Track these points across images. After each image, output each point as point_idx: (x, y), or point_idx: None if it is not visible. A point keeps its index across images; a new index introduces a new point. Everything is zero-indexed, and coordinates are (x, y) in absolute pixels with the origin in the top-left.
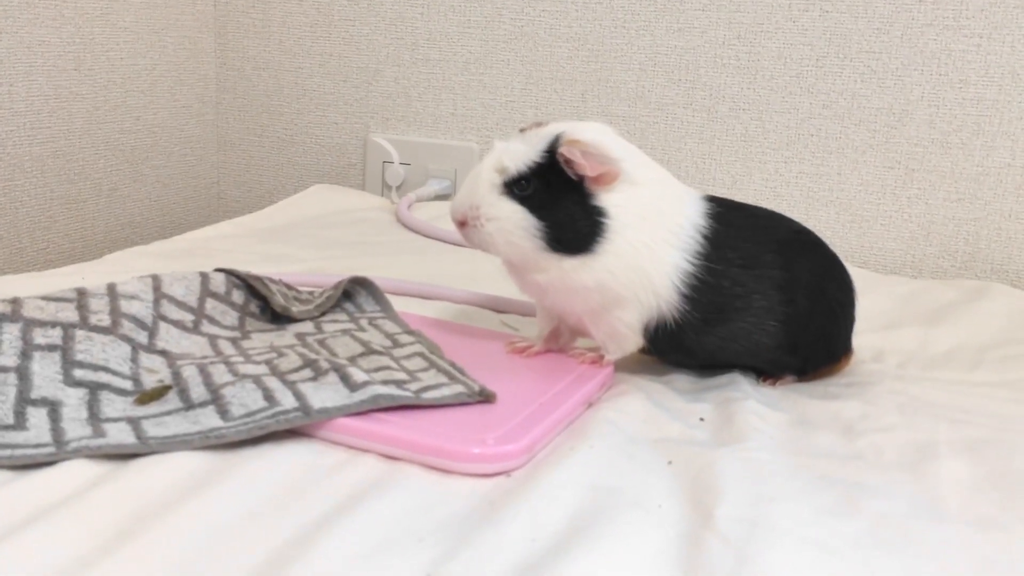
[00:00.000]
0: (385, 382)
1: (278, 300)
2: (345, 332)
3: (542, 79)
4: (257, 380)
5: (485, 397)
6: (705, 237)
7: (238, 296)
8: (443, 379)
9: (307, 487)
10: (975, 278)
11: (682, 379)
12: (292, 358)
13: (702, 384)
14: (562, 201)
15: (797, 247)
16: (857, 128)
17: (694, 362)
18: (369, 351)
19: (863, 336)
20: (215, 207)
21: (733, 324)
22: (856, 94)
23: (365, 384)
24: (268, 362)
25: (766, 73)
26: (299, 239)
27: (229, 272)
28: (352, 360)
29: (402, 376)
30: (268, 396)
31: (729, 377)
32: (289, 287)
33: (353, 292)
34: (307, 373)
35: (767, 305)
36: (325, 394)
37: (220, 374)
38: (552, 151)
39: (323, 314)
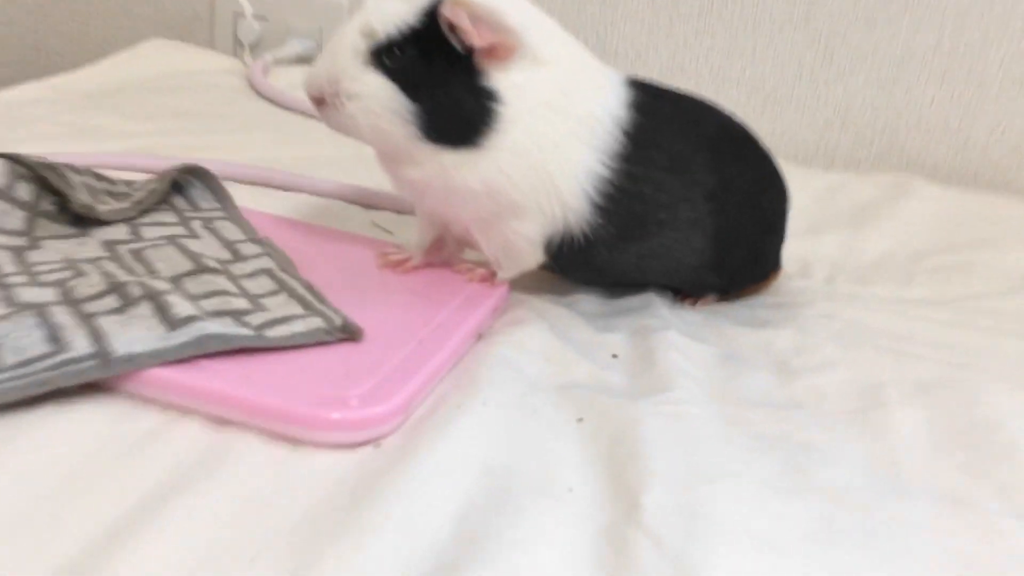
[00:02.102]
0: (218, 314)
1: (80, 197)
2: (170, 240)
3: None
4: (41, 312)
5: (349, 334)
6: (625, 133)
7: (25, 191)
8: (295, 308)
9: (100, 472)
10: (891, 171)
11: (589, 300)
12: (93, 279)
13: (612, 307)
14: (443, 78)
15: (729, 145)
16: (776, 0)
17: (604, 281)
18: (200, 268)
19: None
20: (31, 62)
21: (654, 239)
22: None
23: (190, 320)
24: (60, 284)
25: None
26: (126, 107)
27: (11, 158)
28: (175, 282)
29: (242, 304)
30: (54, 336)
31: (643, 298)
32: (100, 177)
33: (185, 184)
34: (112, 302)
35: (694, 217)
36: (134, 333)
37: None
38: (433, 14)
39: (143, 213)
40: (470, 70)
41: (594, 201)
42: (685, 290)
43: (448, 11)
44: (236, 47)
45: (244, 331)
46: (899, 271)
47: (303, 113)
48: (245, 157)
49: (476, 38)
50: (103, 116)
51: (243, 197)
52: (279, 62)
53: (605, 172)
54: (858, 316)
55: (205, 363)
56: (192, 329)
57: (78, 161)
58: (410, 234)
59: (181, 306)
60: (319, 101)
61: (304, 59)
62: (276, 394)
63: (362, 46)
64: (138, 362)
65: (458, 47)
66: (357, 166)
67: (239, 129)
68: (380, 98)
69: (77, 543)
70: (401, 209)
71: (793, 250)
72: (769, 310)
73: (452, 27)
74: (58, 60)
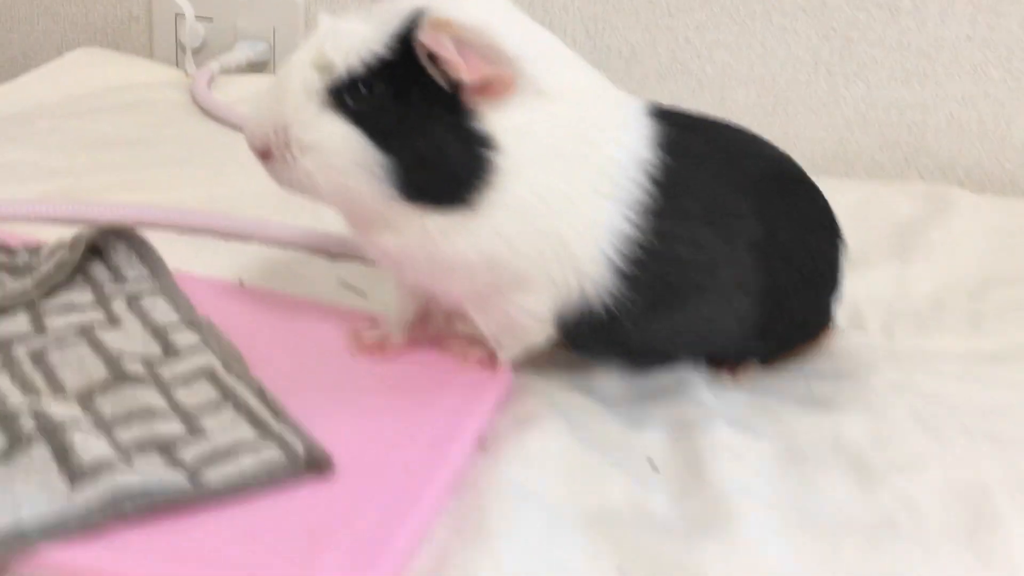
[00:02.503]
0: (140, 447)
1: None
2: (83, 332)
3: None
4: None
5: (315, 467)
6: (653, 180)
7: None
8: (244, 430)
9: None
10: (919, 177)
11: (609, 379)
12: None
13: (640, 387)
14: (422, 121)
15: (776, 186)
16: None
17: (627, 357)
18: (118, 376)
19: None
20: None
21: (690, 307)
22: None
23: (98, 468)
24: None
25: None
26: (47, 136)
27: None
28: (85, 401)
29: (173, 428)
30: None
31: (673, 374)
32: None
33: (105, 246)
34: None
35: (737, 277)
36: (23, 493)
37: None
38: (407, 39)
39: (50, 292)
40: (456, 110)
41: (617, 266)
42: (720, 357)
43: (428, 37)
44: (178, 53)
45: (173, 477)
46: (963, 312)
47: None
48: (186, 195)
49: (464, 71)
50: (23, 148)
51: (180, 252)
52: (226, 70)
53: (630, 230)
54: (934, 386)
55: (120, 533)
56: (101, 483)
57: None
58: (386, 294)
59: (88, 445)
60: (264, 154)
61: (256, 66)
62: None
63: (317, 83)
64: (27, 539)
65: (440, 81)
66: (317, 204)
67: (179, 159)
68: (343, 150)
69: None
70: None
71: None
72: (827, 382)
73: (433, 57)
74: None
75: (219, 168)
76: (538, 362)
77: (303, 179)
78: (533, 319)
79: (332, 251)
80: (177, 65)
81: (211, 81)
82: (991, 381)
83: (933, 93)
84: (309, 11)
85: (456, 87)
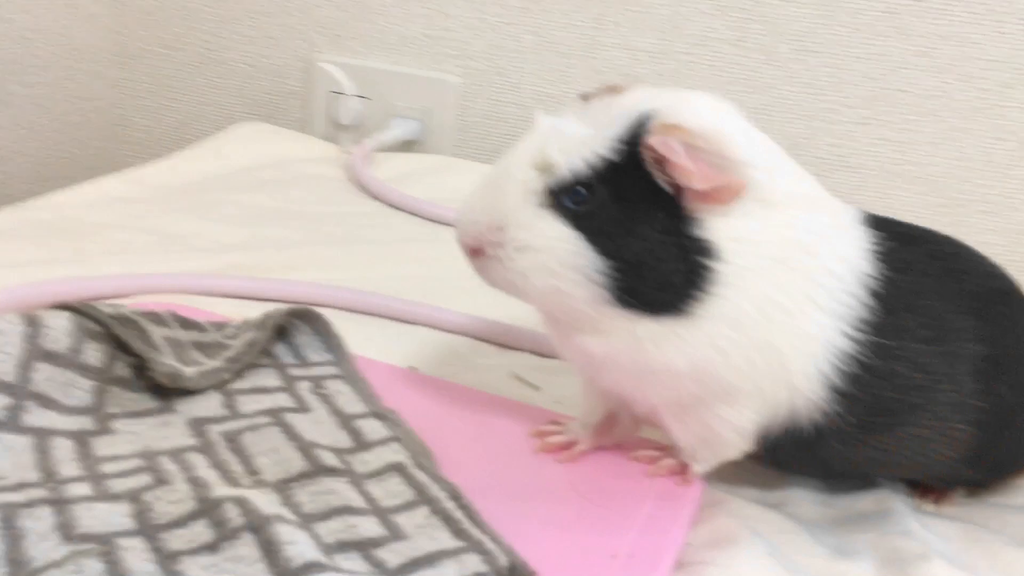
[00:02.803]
0: (342, 547)
1: (162, 360)
2: (274, 417)
3: None
4: (107, 551)
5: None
6: (874, 294)
7: (94, 353)
8: (442, 535)
9: None
10: None
11: (804, 496)
12: (178, 490)
13: (838, 508)
14: (643, 226)
15: (1000, 305)
16: (962, 85)
17: (825, 474)
18: (315, 468)
19: None
20: (114, 140)
21: (904, 428)
22: (964, 40)
23: (307, 568)
24: (134, 496)
25: (847, 4)
26: (213, 208)
27: (79, 311)
28: (284, 491)
29: (372, 529)
30: None
31: (875, 496)
32: (186, 323)
33: (289, 328)
34: (202, 532)
35: (956, 400)
36: None
37: (37, 539)
38: (634, 142)
39: (240, 373)
40: (679, 215)
41: (831, 383)
42: (925, 482)
43: (658, 142)
44: (334, 129)
45: None
46: None
47: (411, 212)
48: (350, 275)
49: (696, 178)
50: (189, 220)
51: (352, 333)
52: (382, 148)
53: (847, 346)
54: None
55: None
56: None
57: (160, 284)
58: (558, 388)
59: (296, 544)
60: (476, 251)
61: (409, 144)
62: None
63: (537, 183)
64: None
65: (665, 186)
66: (481, 290)
67: (341, 237)
68: (561, 252)
69: None
70: (543, 352)
71: None
72: None
73: (660, 160)
74: (143, 137)
75: (381, 249)
76: (726, 474)
77: (515, 279)
78: (736, 433)
79: (500, 340)
80: (330, 140)
81: (367, 158)
82: None
83: None
84: (463, 92)
85: (679, 192)
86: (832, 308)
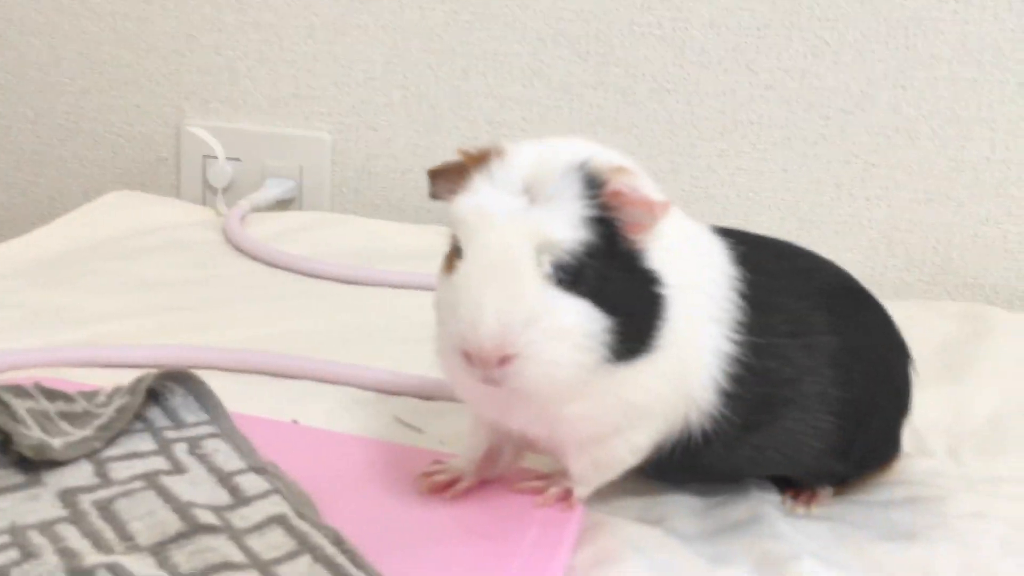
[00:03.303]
0: None
1: (28, 433)
2: (149, 481)
3: (411, 50)
4: None
5: None
6: (742, 295)
7: None
8: None
9: None
10: (946, 295)
11: (680, 511)
12: (47, 563)
13: (714, 520)
14: (621, 273)
15: (845, 300)
16: (807, 114)
17: (703, 480)
18: (192, 527)
19: None
20: None
21: (777, 424)
22: (806, 72)
23: None
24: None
25: (696, 45)
26: (87, 279)
27: None
28: (161, 553)
29: None
30: None
31: (748, 505)
32: (53, 395)
33: (162, 391)
34: None
35: (819, 390)
36: None
37: None
38: (594, 195)
39: (112, 440)
40: (632, 253)
41: (722, 388)
42: (797, 482)
43: (622, 185)
44: (206, 192)
45: None
46: None
47: (289, 270)
48: (229, 336)
49: (659, 206)
50: (60, 293)
51: (232, 392)
52: (256, 208)
53: (732, 349)
54: (1017, 511)
55: None
56: None
57: (30, 359)
58: (441, 429)
59: None
60: (505, 358)
61: (285, 203)
62: None
63: (545, 266)
64: None
65: (625, 228)
66: (364, 339)
67: (220, 299)
68: (585, 325)
69: None
70: (425, 395)
71: None
72: (905, 511)
73: (625, 202)
74: (5, 215)
75: (260, 308)
76: (606, 495)
77: (550, 370)
78: (632, 454)
79: (382, 388)
80: (205, 204)
81: (243, 219)
82: None
83: (956, 213)
84: (335, 148)
85: (628, 230)
86: (718, 316)
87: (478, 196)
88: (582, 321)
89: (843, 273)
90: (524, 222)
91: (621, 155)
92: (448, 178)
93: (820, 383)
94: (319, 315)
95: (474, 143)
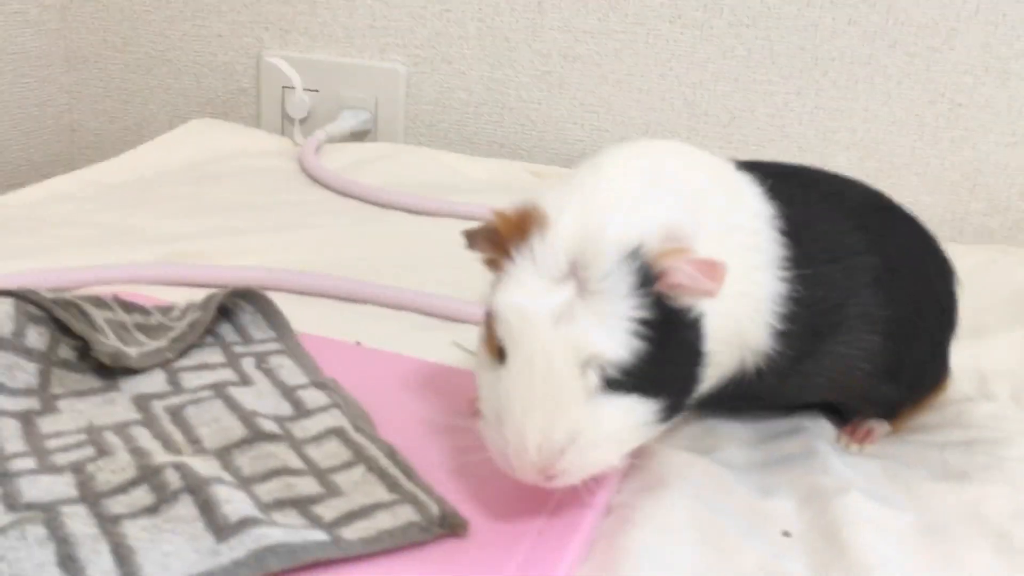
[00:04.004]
0: (279, 505)
1: (105, 341)
2: (217, 391)
3: None
4: (51, 519)
5: (451, 527)
6: (783, 232)
7: (37, 336)
8: (378, 490)
9: None
10: None
11: (733, 442)
12: (120, 460)
13: (765, 452)
14: (672, 346)
15: (879, 218)
16: (891, 51)
17: (757, 408)
18: (255, 435)
19: None
20: (67, 143)
21: (825, 349)
22: (892, 6)
23: (244, 524)
24: (77, 468)
25: None
26: (164, 203)
27: (21, 296)
28: (224, 457)
29: (310, 487)
30: (66, 557)
31: (801, 440)
32: (130, 307)
33: (233, 308)
34: (143, 497)
35: (863, 311)
36: (170, 547)
37: None
38: (646, 283)
39: (184, 352)
40: (683, 311)
41: (775, 328)
42: (852, 413)
43: (682, 276)
44: (285, 122)
45: (315, 536)
46: None
47: (360, 199)
48: (299, 259)
49: (713, 286)
50: (138, 215)
51: (299, 314)
52: (332, 139)
53: (782, 288)
54: None
55: None
56: (247, 538)
57: (109, 275)
58: None
59: (232, 502)
60: (549, 477)
61: (359, 134)
62: None
63: (592, 378)
64: None
65: (674, 304)
66: (430, 268)
67: (291, 224)
68: (629, 422)
69: None
70: None
71: (960, 358)
72: (960, 452)
73: (678, 287)
74: (95, 141)
75: (329, 233)
76: None
77: (590, 471)
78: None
79: (444, 314)
80: (283, 134)
81: (318, 149)
82: None
83: None
84: (410, 80)
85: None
86: (763, 261)
87: (520, 291)
88: (628, 420)
89: (874, 191)
90: (570, 331)
91: (683, 165)
92: (486, 242)
93: (863, 304)
94: (387, 243)
95: (549, 77)
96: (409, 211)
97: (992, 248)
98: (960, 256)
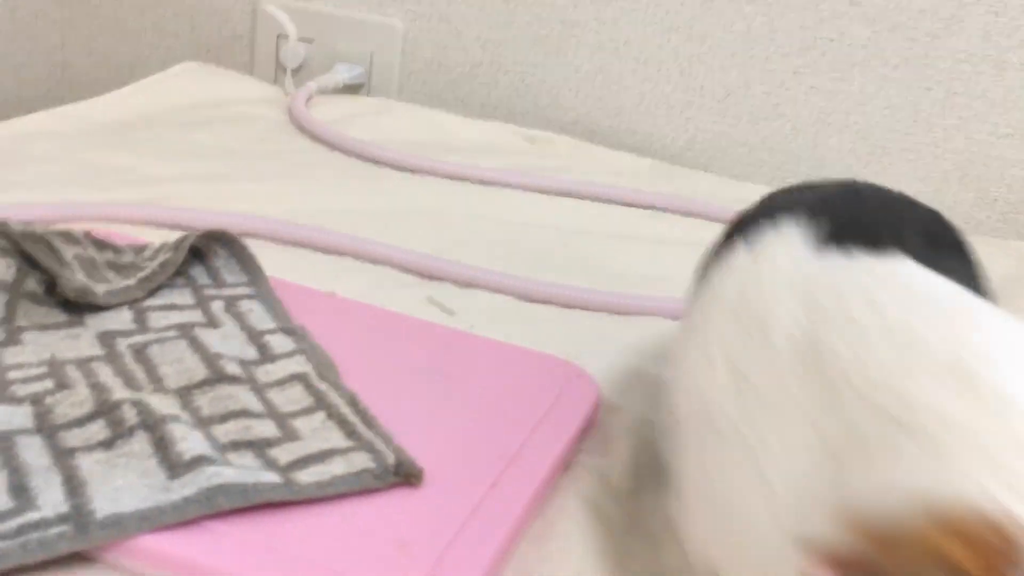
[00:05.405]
0: (235, 446)
1: (73, 277)
2: (183, 331)
3: None
4: (6, 446)
5: (406, 475)
6: None
7: (5, 268)
8: (336, 437)
9: None
10: (1016, 236)
11: None
12: (79, 393)
13: None
14: None
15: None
16: (891, 35)
17: None
18: (217, 376)
19: None
20: (57, 81)
21: None
22: None
23: (197, 462)
24: (37, 399)
25: None
26: (149, 144)
27: None
28: (184, 396)
29: (268, 430)
30: (18, 485)
31: None
32: (102, 245)
33: (207, 251)
34: (98, 431)
35: None
36: (123, 481)
37: None
38: None
39: (153, 292)
40: None
41: None
42: None
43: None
44: (278, 72)
45: (268, 478)
46: None
47: (348, 153)
48: (281, 209)
49: None
50: (123, 155)
51: (276, 261)
52: (323, 90)
53: None
54: None
55: (214, 526)
56: (200, 477)
57: (86, 212)
58: (473, 313)
59: (188, 440)
60: None
61: (352, 88)
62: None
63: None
64: (124, 527)
65: None
66: (409, 224)
67: (275, 173)
68: None
69: None
70: (464, 281)
71: None
72: None
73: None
74: (85, 79)
75: (314, 185)
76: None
77: None
78: None
79: (421, 270)
80: (276, 83)
81: (309, 100)
82: None
83: None
84: (407, 37)
85: None
86: None
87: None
88: None
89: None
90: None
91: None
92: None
93: None
94: (371, 198)
95: (547, 41)
96: (397, 167)
97: (976, 240)
98: None
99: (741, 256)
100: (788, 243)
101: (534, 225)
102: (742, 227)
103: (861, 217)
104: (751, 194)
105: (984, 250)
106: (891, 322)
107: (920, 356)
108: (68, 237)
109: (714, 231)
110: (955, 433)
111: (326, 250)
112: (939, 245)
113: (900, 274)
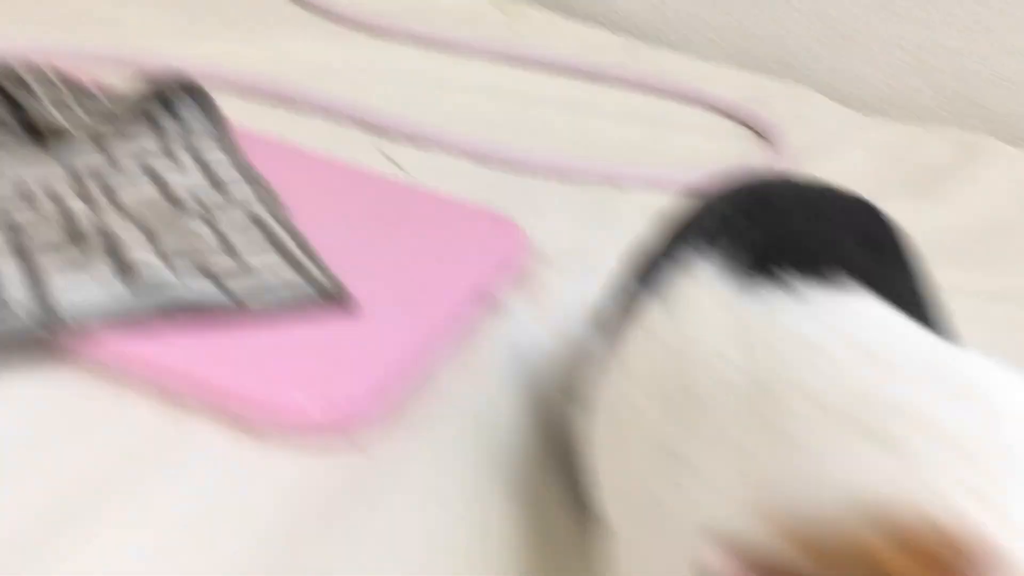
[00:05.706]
0: (178, 254)
1: (41, 109)
2: (147, 170)
3: None
4: None
5: (337, 299)
6: None
7: None
8: (272, 255)
9: (25, 459)
10: (958, 124)
11: None
12: (46, 213)
13: None
14: None
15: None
16: None
17: None
18: (178, 209)
19: None
20: None
21: None
22: None
23: (146, 266)
24: (5, 219)
25: None
26: None
27: None
28: (146, 226)
29: (222, 261)
30: None
31: None
32: (70, 82)
33: (174, 99)
34: (64, 247)
35: None
36: (75, 278)
37: None
38: None
39: (121, 135)
40: None
41: None
42: None
43: None
44: None
45: (218, 297)
46: (968, 253)
47: (317, 11)
48: (246, 61)
49: None
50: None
51: (235, 109)
52: None
53: None
54: None
55: (166, 331)
56: (151, 285)
57: (57, 50)
58: (424, 174)
59: (145, 257)
60: None
61: None
62: (246, 375)
63: None
64: (84, 318)
65: None
66: (373, 84)
67: (244, 27)
68: None
69: None
70: (416, 140)
71: None
72: None
73: None
74: None
75: (282, 40)
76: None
77: None
78: None
79: (376, 126)
80: None
81: None
82: (994, 321)
83: (986, 41)
84: None
85: None
86: None
87: None
88: None
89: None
90: None
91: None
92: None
93: None
94: (338, 56)
95: None
96: (367, 30)
97: (918, 128)
98: (886, 131)
99: (654, 315)
100: (704, 286)
101: (498, 92)
102: (645, 275)
103: (784, 234)
104: (722, 76)
105: (923, 137)
106: (873, 356)
107: (900, 369)
108: (39, 75)
109: (680, 111)
110: (926, 431)
111: (288, 102)
112: (881, 251)
113: (868, 324)
